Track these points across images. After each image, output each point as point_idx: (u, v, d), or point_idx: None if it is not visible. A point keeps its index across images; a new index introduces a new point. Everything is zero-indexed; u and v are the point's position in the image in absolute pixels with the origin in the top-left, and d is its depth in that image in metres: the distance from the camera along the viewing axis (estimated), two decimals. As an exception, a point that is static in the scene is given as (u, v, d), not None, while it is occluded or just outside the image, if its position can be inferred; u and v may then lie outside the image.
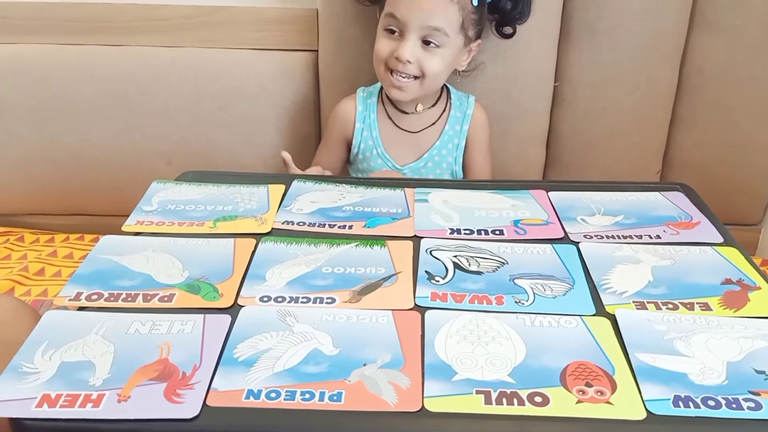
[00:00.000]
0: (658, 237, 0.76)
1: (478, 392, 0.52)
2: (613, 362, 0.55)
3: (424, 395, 0.52)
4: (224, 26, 1.21)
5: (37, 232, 1.34)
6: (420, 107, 1.03)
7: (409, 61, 0.94)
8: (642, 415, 0.50)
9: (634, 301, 0.64)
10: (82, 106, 1.24)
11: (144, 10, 1.20)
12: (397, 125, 1.05)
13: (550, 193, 0.86)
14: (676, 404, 0.51)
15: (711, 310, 0.63)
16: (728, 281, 0.67)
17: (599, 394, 0.52)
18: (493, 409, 0.50)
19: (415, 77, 0.97)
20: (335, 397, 0.51)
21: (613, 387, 0.53)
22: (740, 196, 1.27)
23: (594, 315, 0.62)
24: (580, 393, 0.52)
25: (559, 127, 1.24)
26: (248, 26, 1.20)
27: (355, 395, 0.52)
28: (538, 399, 0.51)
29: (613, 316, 0.61)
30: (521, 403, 0.51)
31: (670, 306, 0.63)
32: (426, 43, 0.95)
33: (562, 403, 0.51)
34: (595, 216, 0.80)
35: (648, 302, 0.64)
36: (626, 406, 0.51)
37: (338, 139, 1.08)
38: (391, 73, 0.97)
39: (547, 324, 0.60)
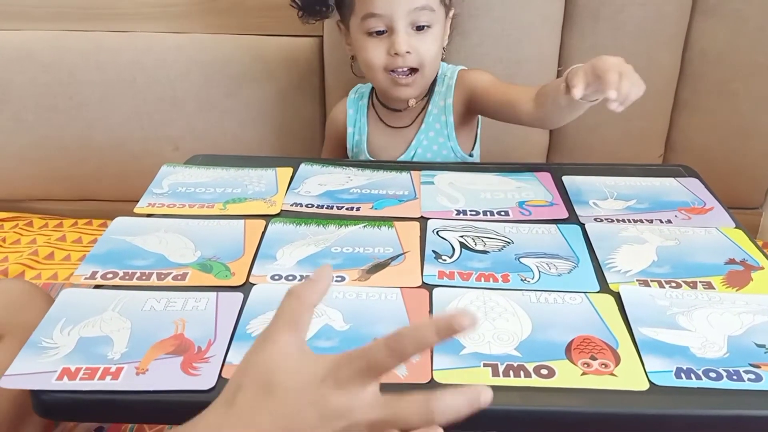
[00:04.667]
0: (669, 222, 0.76)
1: (485, 365, 0.53)
2: (617, 336, 0.57)
3: (433, 368, 0.53)
4: (230, 12, 1.21)
5: (46, 217, 1.35)
6: (413, 101, 0.96)
7: (408, 52, 0.88)
8: (645, 386, 0.52)
9: (637, 280, 0.65)
10: (90, 93, 1.25)
11: (151, -4, 1.21)
12: (388, 124, 0.99)
13: (563, 177, 0.87)
14: (678, 376, 0.52)
15: (714, 288, 0.64)
16: (732, 261, 0.68)
17: (603, 366, 0.53)
18: (501, 381, 0.52)
19: (413, 69, 0.90)
20: (347, 370, 0.53)
21: (617, 360, 0.54)
22: (742, 180, 1.29)
23: (598, 292, 0.63)
24: (585, 365, 0.53)
25: (563, 111, 1.24)
26: (254, 12, 1.21)
27: (366, 368, 0.53)
28: (544, 371, 0.53)
29: (617, 293, 0.63)
30: (527, 375, 0.52)
31: (674, 284, 0.64)
32: (417, 28, 0.88)
33: (568, 375, 0.52)
34: (608, 200, 0.81)
35: (652, 281, 0.65)
36: (630, 377, 0.52)
37: (336, 144, 1.05)
38: (391, 74, 0.90)
39: (552, 300, 0.62)
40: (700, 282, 0.65)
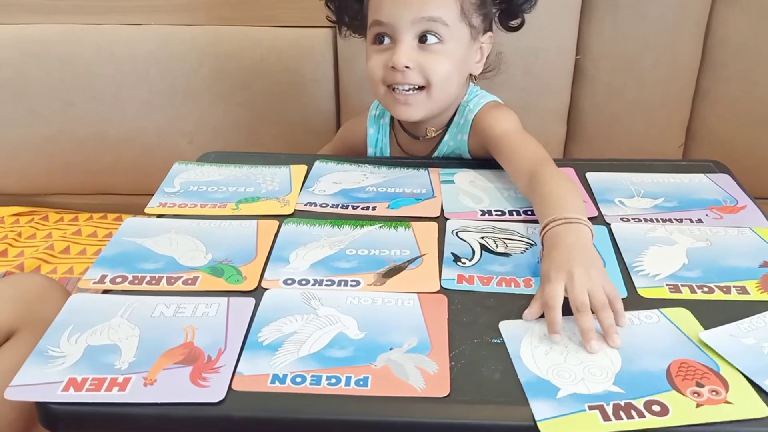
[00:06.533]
0: (700, 221, 0.73)
1: (591, 407, 0.48)
2: (713, 357, 0.52)
3: (536, 419, 0.47)
4: (243, 4, 1.19)
5: (61, 211, 1.35)
6: (431, 131, 0.87)
7: (407, 67, 0.78)
8: (765, 412, 0.47)
9: (667, 284, 0.62)
10: (104, 86, 1.24)
11: (163, -12, 1.19)
12: (405, 152, 0.92)
13: (587, 174, 0.83)
14: None
15: (748, 293, 0.61)
16: (767, 264, 0.65)
17: (714, 393, 0.49)
18: (616, 425, 0.46)
19: (420, 87, 0.80)
20: (361, 382, 0.50)
21: (725, 385, 0.49)
22: (763, 170, 1.24)
23: (624, 299, 0.60)
24: (696, 395, 0.48)
25: (581, 101, 1.21)
26: (266, 3, 1.19)
27: (382, 380, 0.51)
28: (656, 408, 0.47)
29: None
30: (641, 414, 0.47)
31: (706, 289, 0.61)
32: (424, 41, 0.79)
33: (683, 409, 0.47)
34: (634, 198, 0.77)
35: (682, 285, 0.62)
36: (746, 404, 0.48)
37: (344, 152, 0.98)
38: (392, 90, 0.81)
39: (629, 322, 0.56)
40: (733, 286, 0.62)
